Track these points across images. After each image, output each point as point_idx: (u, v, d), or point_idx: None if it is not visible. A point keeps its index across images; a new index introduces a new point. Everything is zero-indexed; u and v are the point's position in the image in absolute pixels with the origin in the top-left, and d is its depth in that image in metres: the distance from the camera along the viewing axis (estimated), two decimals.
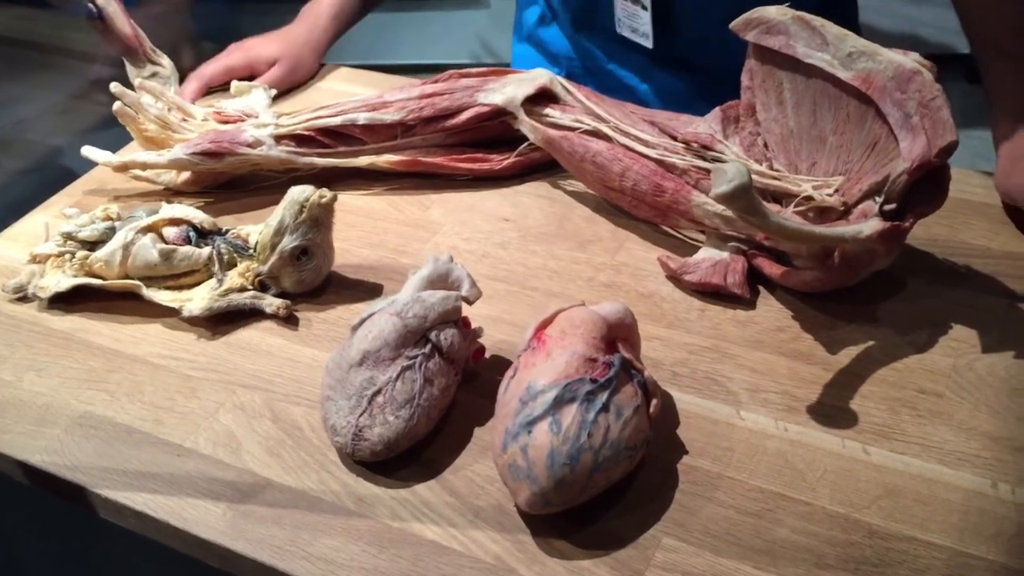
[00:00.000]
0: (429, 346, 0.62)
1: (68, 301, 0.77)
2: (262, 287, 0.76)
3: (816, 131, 0.69)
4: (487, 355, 0.68)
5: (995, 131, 0.79)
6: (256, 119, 0.89)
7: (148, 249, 0.75)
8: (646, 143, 0.76)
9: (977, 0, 0.81)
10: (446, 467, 0.62)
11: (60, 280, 0.77)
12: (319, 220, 0.74)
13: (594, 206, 0.83)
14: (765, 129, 0.71)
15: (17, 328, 0.75)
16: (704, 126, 0.74)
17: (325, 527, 0.58)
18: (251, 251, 0.76)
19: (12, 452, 0.65)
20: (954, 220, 0.76)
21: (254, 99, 0.92)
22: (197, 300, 0.74)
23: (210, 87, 1.02)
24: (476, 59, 2.77)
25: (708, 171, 0.72)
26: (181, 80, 0.99)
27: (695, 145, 0.74)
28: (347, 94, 1.03)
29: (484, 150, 0.88)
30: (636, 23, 0.90)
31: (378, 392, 0.61)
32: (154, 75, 1.00)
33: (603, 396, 0.56)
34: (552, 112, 0.83)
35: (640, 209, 0.77)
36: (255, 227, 0.78)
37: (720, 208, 0.70)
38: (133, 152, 0.91)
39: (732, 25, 0.71)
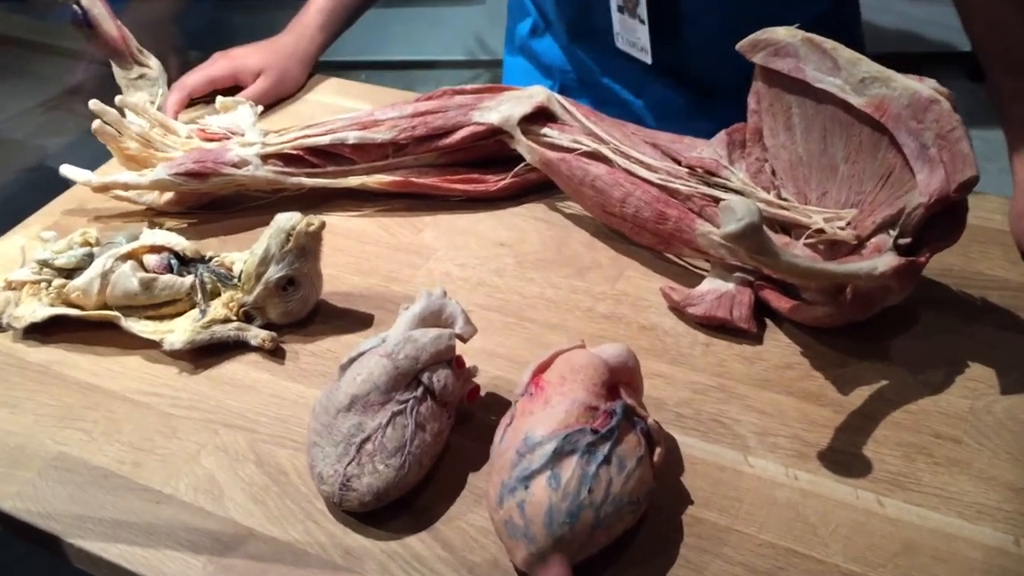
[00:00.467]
0: (421, 389, 0.59)
1: (44, 331, 0.73)
2: (247, 318, 0.72)
3: (827, 159, 0.65)
4: (482, 393, 0.65)
5: (1013, 160, 0.75)
6: (242, 137, 0.85)
7: (128, 278, 0.72)
8: (648, 167, 0.73)
9: (982, 8, 0.77)
10: (439, 517, 0.59)
11: (36, 310, 0.73)
12: (306, 249, 0.70)
13: (593, 230, 0.80)
14: (773, 155, 0.68)
15: None
16: (709, 150, 0.71)
17: None
18: (235, 280, 0.72)
19: None
20: (969, 249, 0.73)
21: (240, 116, 0.88)
22: (179, 332, 0.71)
23: (192, 98, 0.98)
24: (471, 55, 2.73)
25: (713, 198, 0.69)
26: (169, 83, 0.96)
27: (699, 170, 0.70)
28: (336, 107, 1.00)
29: (479, 170, 0.84)
30: (634, 37, 0.87)
31: (367, 439, 0.58)
32: (142, 76, 0.97)
33: (605, 448, 0.53)
34: (550, 132, 0.79)
35: (642, 236, 0.74)
36: (240, 254, 0.74)
37: None
38: (114, 169, 0.87)
39: (739, 46, 0.68)
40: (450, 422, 0.61)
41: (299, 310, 0.72)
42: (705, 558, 0.54)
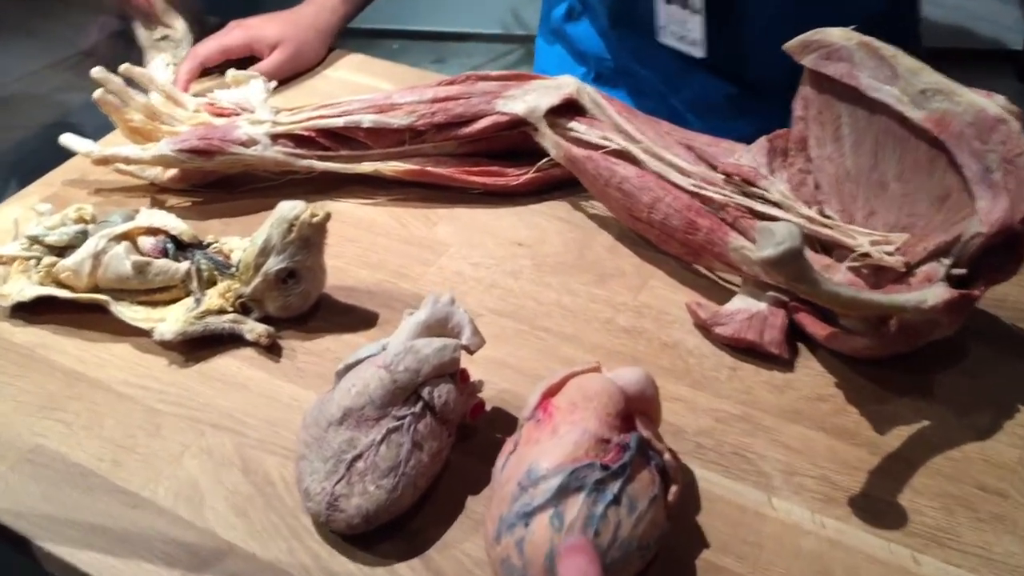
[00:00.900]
0: (420, 404, 0.54)
1: (32, 311, 0.69)
2: (244, 310, 0.68)
3: (877, 175, 0.60)
4: (487, 408, 0.60)
5: None
6: (252, 114, 0.81)
7: (121, 260, 0.68)
8: (681, 170, 0.68)
9: None
10: (432, 543, 0.54)
11: (23, 288, 0.69)
12: (309, 241, 0.66)
13: (618, 234, 0.74)
14: (817, 167, 0.63)
15: None
16: (748, 157, 0.65)
17: None
18: (233, 269, 0.68)
19: None
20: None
21: (251, 90, 0.84)
22: (171, 322, 0.67)
23: (205, 68, 0.94)
24: (506, 29, 2.67)
25: (749, 210, 0.64)
26: None
27: (736, 178, 0.65)
28: (356, 84, 0.95)
29: (500, 162, 0.79)
30: (684, 30, 0.81)
31: (358, 457, 0.53)
32: (165, 38, 0.93)
33: (615, 486, 0.48)
34: (577, 126, 0.74)
35: (669, 244, 0.69)
36: (239, 241, 0.70)
37: None
38: (118, 140, 0.83)
39: (788, 47, 0.62)
40: (450, 440, 0.56)
41: (299, 305, 0.68)
42: None
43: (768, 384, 0.61)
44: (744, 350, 0.63)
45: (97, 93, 0.78)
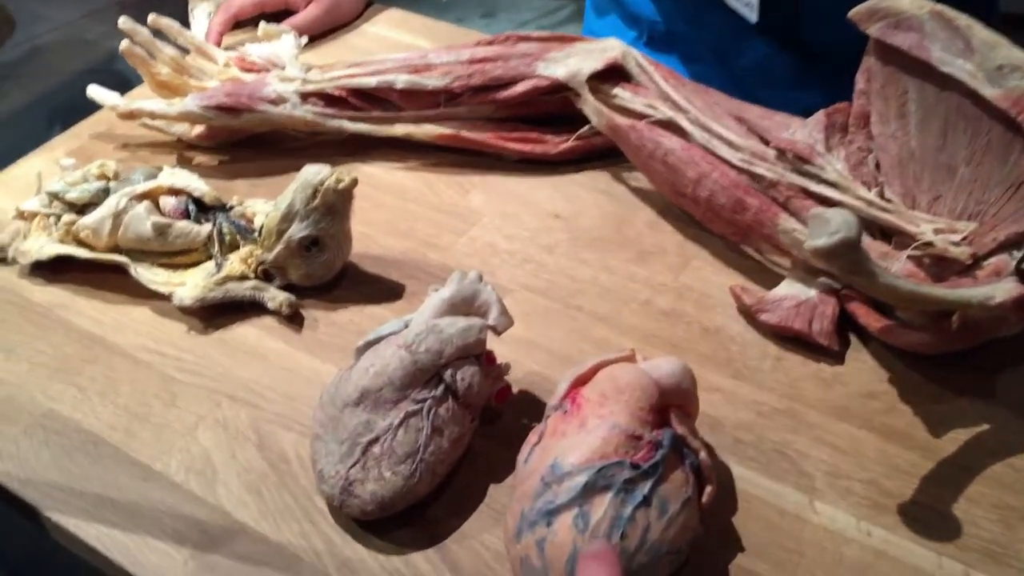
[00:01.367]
0: (442, 387, 0.51)
1: (52, 269, 0.68)
2: (265, 276, 0.65)
3: (944, 157, 0.55)
4: (514, 391, 0.57)
5: None
6: (282, 71, 0.77)
7: (141, 220, 0.65)
8: (730, 144, 0.63)
9: None
10: (450, 533, 0.51)
11: (43, 245, 0.67)
12: (334, 208, 0.63)
13: (660, 208, 0.70)
14: (879, 146, 0.58)
15: None
16: (803, 132, 0.61)
17: None
18: (256, 234, 0.65)
19: None
20: None
21: (282, 46, 0.80)
22: (190, 287, 0.64)
23: (239, 20, 0.90)
24: None
25: (802, 189, 0.60)
26: None
27: (790, 154, 0.61)
28: (393, 42, 0.91)
29: (538, 129, 0.75)
30: None
31: (375, 440, 0.50)
32: None
33: (645, 486, 0.45)
34: (622, 93, 0.70)
35: (715, 223, 0.65)
36: (264, 205, 0.67)
37: None
38: (147, 93, 0.80)
39: (852, 14, 0.57)
40: (473, 425, 0.53)
41: (323, 274, 0.65)
42: None
43: (815, 377, 0.57)
44: (791, 339, 0.59)
45: (123, 44, 0.75)
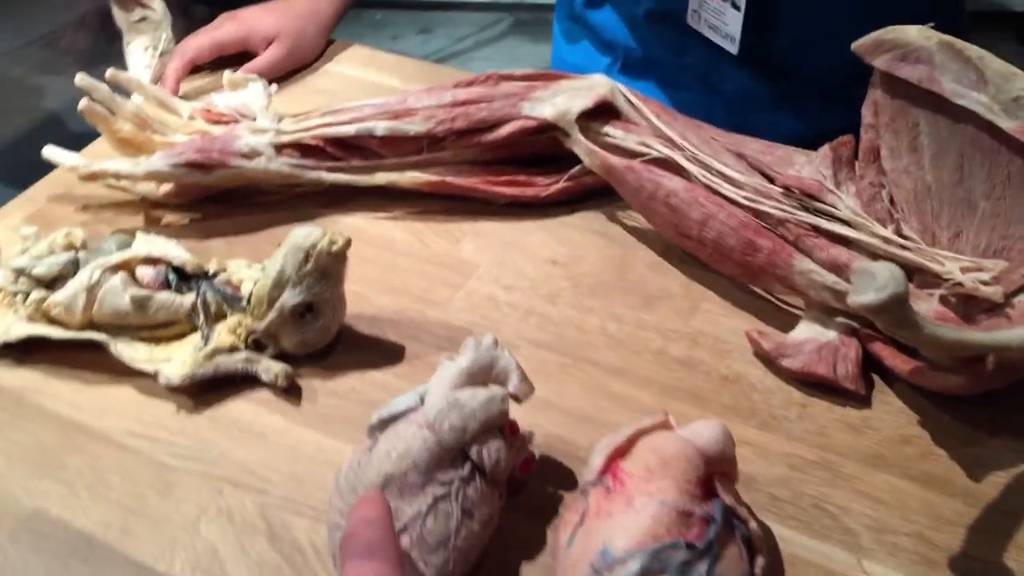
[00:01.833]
0: (468, 466, 0.48)
1: (21, 350, 0.63)
2: (257, 346, 0.62)
3: (963, 192, 0.54)
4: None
5: None
6: (252, 122, 0.74)
7: (118, 294, 0.61)
8: (732, 182, 0.62)
9: None
10: None
11: (11, 326, 0.63)
12: (328, 271, 0.59)
13: (660, 249, 0.68)
14: (893, 181, 0.57)
15: None
16: (810, 168, 0.59)
17: None
18: (244, 303, 0.61)
19: None
20: None
21: (250, 95, 0.77)
22: (177, 363, 0.60)
23: (195, 65, 0.86)
24: None
25: (813, 227, 0.58)
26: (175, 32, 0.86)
27: (797, 191, 0.59)
28: (361, 82, 0.88)
29: (525, 171, 0.73)
30: (720, 21, 0.74)
31: (403, 530, 0.47)
32: (144, 19, 0.87)
33: (702, 567, 0.42)
34: (613, 131, 0.68)
35: (723, 265, 0.63)
36: (249, 271, 0.63)
37: (830, 281, 0.56)
38: (105, 147, 0.76)
39: (857, 46, 0.56)
40: (501, 503, 0.51)
41: (318, 340, 0.62)
42: None
43: (843, 423, 0.56)
44: (813, 384, 0.57)
45: (83, 104, 0.71)
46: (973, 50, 0.53)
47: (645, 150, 0.65)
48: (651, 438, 0.47)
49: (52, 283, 0.63)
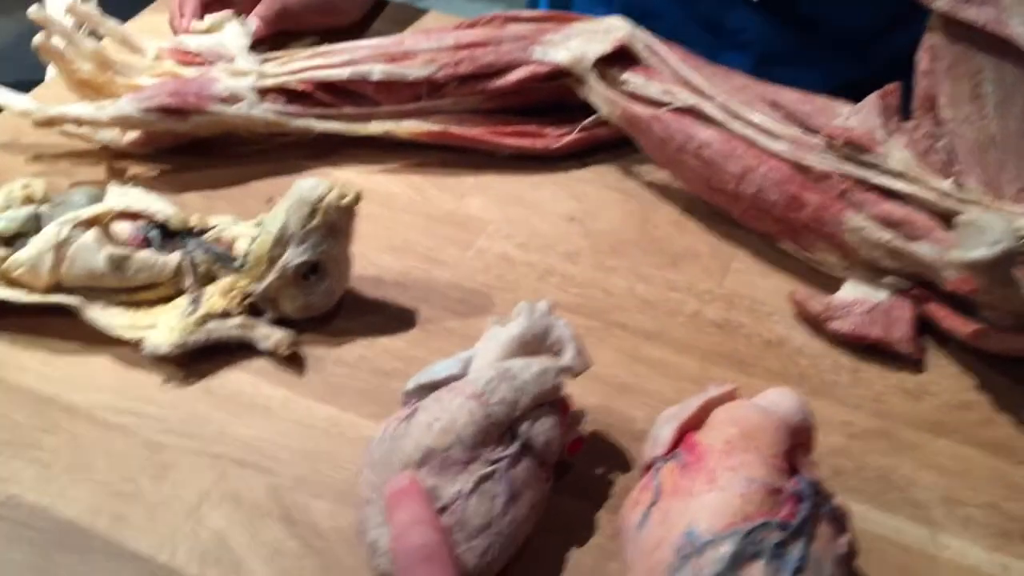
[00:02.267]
0: (517, 444, 0.44)
1: None
2: (253, 311, 0.56)
3: None
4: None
5: None
6: (230, 64, 0.67)
7: (92, 253, 0.54)
8: (769, 132, 0.57)
9: None
10: None
11: None
12: (336, 228, 0.54)
13: (683, 205, 0.64)
14: (952, 131, 0.53)
15: None
16: (858, 118, 0.55)
17: None
18: (238, 262, 0.55)
19: None
20: None
21: (227, 35, 0.69)
22: (164, 330, 0.54)
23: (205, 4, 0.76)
24: None
25: (861, 181, 0.54)
26: None
27: (841, 142, 0.55)
28: None
29: (535, 120, 0.67)
30: None
31: (443, 510, 0.42)
32: None
33: (797, 548, 0.38)
34: (633, 79, 0.63)
35: (759, 221, 0.59)
36: (244, 227, 0.57)
37: (886, 238, 0.53)
38: (59, 89, 0.68)
39: None
40: (549, 485, 0.46)
41: (322, 304, 0.56)
42: None
43: (899, 389, 0.52)
44: (862, 348, 0.54)
45: (37, 38, 0.63)
46: None
47: (670, 99, 0.61)
48: (726, 409, 0.42)
49: (11, 240, 0.56)
